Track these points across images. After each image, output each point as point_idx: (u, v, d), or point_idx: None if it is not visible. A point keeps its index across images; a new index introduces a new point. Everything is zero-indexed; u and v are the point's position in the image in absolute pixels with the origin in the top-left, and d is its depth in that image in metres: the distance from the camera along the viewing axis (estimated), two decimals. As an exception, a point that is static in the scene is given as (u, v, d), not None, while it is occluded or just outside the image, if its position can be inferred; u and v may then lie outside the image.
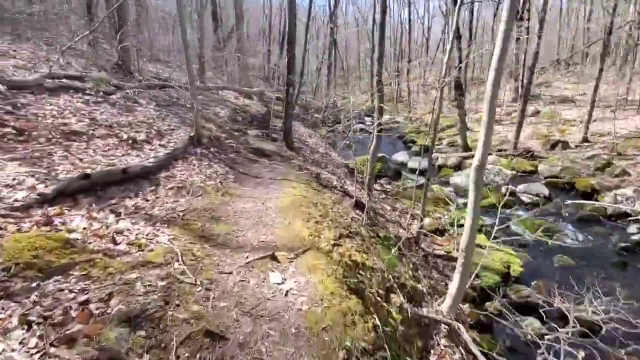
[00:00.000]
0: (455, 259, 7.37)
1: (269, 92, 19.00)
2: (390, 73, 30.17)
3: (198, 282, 2.32)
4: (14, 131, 4.15)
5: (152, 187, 4.13)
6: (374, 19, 21.71)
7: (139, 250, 2.52)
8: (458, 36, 14.17)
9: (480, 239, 7.92)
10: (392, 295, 3.20)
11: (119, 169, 3.87)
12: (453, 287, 3.55)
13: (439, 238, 8.35)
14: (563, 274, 6.89)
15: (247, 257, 2.80)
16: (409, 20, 27.00)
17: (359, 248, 3.65)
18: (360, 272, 3.09)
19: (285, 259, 2.74)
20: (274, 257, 2.69)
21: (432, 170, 7.23)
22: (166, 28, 21.11)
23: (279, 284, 2.43)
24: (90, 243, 2.43)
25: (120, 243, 2.53)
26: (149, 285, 2.13)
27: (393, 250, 4.05)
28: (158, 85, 8.46)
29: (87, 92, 6.35)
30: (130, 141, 5.25)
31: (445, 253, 7.22)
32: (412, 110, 27.11)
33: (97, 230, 2.65)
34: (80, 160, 4.17)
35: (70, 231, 2.55)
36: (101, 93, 6.51)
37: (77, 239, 2.25)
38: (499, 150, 14.58)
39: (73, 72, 7.14)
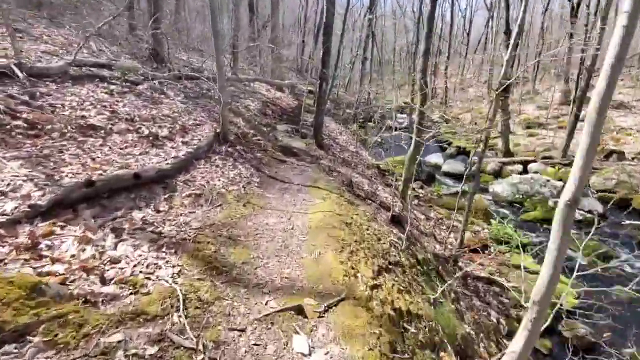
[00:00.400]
0: (499, 284, 6.54)
1: (301, 85, 18.39)
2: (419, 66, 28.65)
3: (200, 347, 1.75)
4: (25, 124, 3.76)
5: (167, 195, 3.62)
6: (420, 10, 20.43)
7: (132, 293, 1.98)
8: (507, 31, 12.87)
9: (525, 259, 7.01)
10: (442, 354, 2.53)
11: (130, 174, 3.37)
12: (516, 345, 2.81)
13: (479, 254, 7.49)
14: (624, 310, 5.91)
15: (266, 303, 2.20)
16: (451, 12, 25.34)
17: (401, 285, 2.98)
18: (405, 325, 2.44)
19: (314, 312, 2.12)
20: (300, 310, 2.09)
21: (478, 181, 6.37)
22: (204, 16, 20.85)
23: (304, 355, 1.82)
24: (71, 283, 1.91)
25: (110, 282, 2.00)
26: (134, 355, 1.58)
27: (438, 292, 3.34)
28: (188, 76, 8.03)
29: (114, 81, 5.97)
30: (150, 137, 4.79)
31: (488, 276, 6.38)
32: (448, 108, 25.66)
33: (86, 260, 2.14)
34: (93, 159, 3.73)
35: (54, 261, 2.05)
36: (128, 83, 6.12)
37: (49, 285, 1.73)
38: (545, 158, 13.24)
39: (102, 60, 6.81)
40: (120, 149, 4.27)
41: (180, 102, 6.62)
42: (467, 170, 7.04)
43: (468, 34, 30.02)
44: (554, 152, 13.57)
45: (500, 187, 10.91)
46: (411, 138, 7.73)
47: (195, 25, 19.41)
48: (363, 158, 11.91)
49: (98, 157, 3.85)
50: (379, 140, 13.98)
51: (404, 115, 24.61)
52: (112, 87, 5.77)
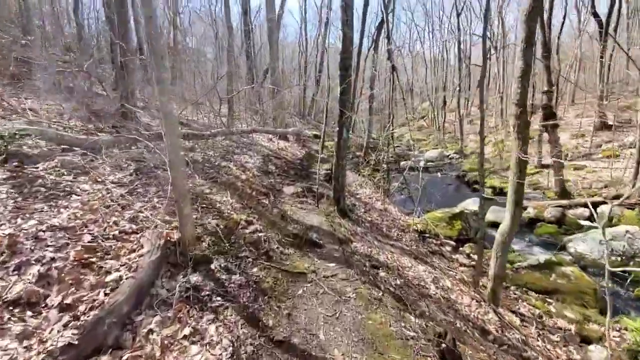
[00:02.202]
0: None
1: (306, 130, 15.92)
2: (432, 101, 26.46)
3: None
4: None
5: None
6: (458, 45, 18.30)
7: None
8: (547, 52, 10.39)
9: None
10: None
11: None
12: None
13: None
14: None
15: None
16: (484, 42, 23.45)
17: None
18: None
19: None
20: None
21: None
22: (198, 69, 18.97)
23: None
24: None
25: None
26: None
27: None
28: (143, 136, 5.35)
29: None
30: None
31: None
32: (462, 141, 23.02)
33: None
34: None
35: None
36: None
37: None
38: (616, 197, 10.19)
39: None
40: None
41: (116, 185, 3.79)
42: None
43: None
44: (623, 189, 10.54)
45: (584, 246, 7.77)
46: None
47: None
48: (393, 216, 8.97)
49: None
50: (403, 186, 11.15)
51: (418, 152, 21.92)
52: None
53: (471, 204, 12.21)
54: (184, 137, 6.34)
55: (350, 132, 22.07)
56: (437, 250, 7.73)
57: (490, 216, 10.80)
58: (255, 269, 3.28)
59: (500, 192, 13.51)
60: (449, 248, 8.08)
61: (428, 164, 19.75)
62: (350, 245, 5.09)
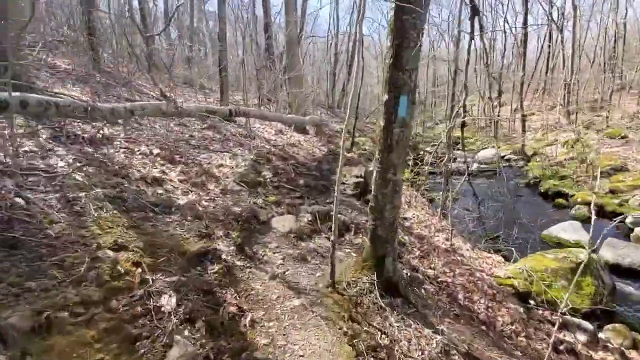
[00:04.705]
0: None
1: (334, 124, 12.26)
2: (482, 93, 21.68)
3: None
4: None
5: None
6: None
7: None
8: None
9: None
10: None
11: None
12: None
13: None
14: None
15: None
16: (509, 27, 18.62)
17: None
18: None
19: None
20: None
21: None
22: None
23: None
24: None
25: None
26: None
27: None
28: None
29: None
30: None
31: None
32: (524, 139, 18.15)
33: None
34: None
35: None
36: None
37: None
38: None
39: None
40: None
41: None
42: None
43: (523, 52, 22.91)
44: None
45: None
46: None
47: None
48: (467, 262, 5.09)
49: None
50: (452, 195, 7.34)
51: (463, 152, 17.45)
52: None
53: (565, 231, 7.89)
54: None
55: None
56: (566, 346, 3.81)
57: (607, 254, 6.55)
58: None
59: (602, 211, 9.01)
60: (582, 337, 4.09)
61: (482, 166, 15.28)
62: None
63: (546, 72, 23.82)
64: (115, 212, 2.12)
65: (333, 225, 2.38)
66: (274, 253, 2.77)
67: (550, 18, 20.12)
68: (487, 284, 4.72)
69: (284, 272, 2.49)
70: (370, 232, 2.70)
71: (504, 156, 17.02)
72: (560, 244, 7.41)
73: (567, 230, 7.75)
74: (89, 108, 2.40)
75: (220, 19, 6.40)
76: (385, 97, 2.45)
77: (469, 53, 5.57)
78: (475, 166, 15.02)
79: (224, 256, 2.27)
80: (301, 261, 2.83)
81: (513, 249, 5.97)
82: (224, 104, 6.65)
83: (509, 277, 4.96)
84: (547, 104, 21.51)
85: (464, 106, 6.18)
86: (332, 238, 2.31)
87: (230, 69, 13.26)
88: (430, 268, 4.44)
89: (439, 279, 4.19)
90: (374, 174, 2.68)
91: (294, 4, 9.61)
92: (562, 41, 20.85)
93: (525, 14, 18.46)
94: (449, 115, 6.57)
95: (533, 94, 24.69)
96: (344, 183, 5.78)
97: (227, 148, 5.16)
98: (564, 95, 19.47)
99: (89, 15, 6.74)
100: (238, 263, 2.34)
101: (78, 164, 2.45)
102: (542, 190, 11.15)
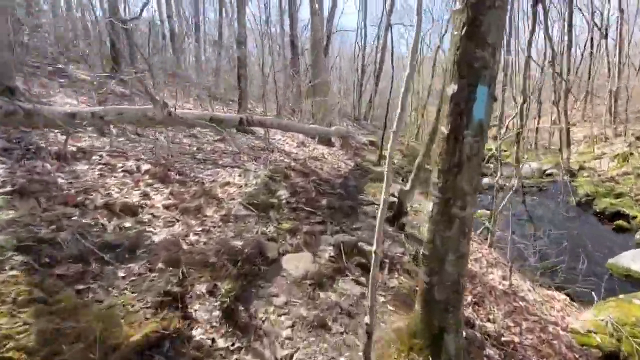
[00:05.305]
0: None
1: (361, 136, 11.37)
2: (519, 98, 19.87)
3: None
4: None
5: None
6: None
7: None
8: None
9: None
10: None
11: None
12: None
13: None
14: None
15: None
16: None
17: None
18: None
19: None
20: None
21: None
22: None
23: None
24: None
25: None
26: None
27: None
28: None
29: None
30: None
31: None
32: (569, 152, 16.20)
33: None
34: None
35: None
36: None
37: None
38: None
39: None
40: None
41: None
42: None
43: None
44: None
45: None
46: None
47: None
48: (532, 310, 3.91)
49: None
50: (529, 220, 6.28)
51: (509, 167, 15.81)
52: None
53: (634, 261, 6.38)
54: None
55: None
56: None
57: None
58: None
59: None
60: None
61: (524, 181, 13.61)
62: None
63: (588, 80, 21.68)
64: (24, 267, 1.35)
65: (369, 312, 1.43)
66: (280, 316, 1.89)
67: (593, 22, 18.29)
68: (564, 343, 3.55)
69: (292, 357, 1.59)
70: (424, 294, 1.75)
71: (545, 170, 15.28)
72: (629, 276, 6.05)
73: (636, 260, 6.29)
74: (25, 112, 1.71)
75: (239, 23, 5.82)
76: (453, 87, 1.53)
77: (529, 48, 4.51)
78: (515, 182, 13.41)
79: (198, 334, 1.43)
80: (319, 329, 1.91)
81: (589, 289, 4.75)
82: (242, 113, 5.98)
83: (589, 331, 3.76)
84: (589, 114, 19.39)
85: (521, 111, 5.07)
86: (366, 320, 1.38)
87: (255, 81, 12.85)
88: (489, 321, 3.37)
89: (503, 339, 3.11)
90: (431, 208, 1.75)
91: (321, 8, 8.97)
92: (606, 47, 18.92)
93: (570, 18, 16.85)
94: (498, 123, 5.46)
95: (573, 103, 22.48)
96: (373, 203, 4.84)
97: (239, 162, 4.40)
98: (611, 105, 17.39)
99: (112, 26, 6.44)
100: (221, 344, 1.48)
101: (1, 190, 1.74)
102: (597, 210, 9.52)
